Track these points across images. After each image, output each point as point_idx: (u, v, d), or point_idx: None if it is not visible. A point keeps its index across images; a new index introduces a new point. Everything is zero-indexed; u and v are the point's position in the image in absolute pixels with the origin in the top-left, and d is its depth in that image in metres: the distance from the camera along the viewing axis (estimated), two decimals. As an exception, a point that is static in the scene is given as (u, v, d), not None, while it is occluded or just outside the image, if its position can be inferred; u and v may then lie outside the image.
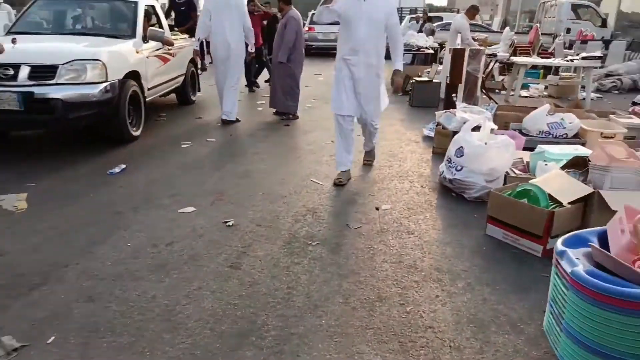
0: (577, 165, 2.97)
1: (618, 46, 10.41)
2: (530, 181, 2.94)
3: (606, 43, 10.91)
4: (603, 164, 2.67)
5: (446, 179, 3.66)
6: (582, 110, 5.02)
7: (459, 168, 3.55)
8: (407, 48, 10.26)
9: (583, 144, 4.60)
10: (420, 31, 13.56)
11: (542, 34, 12.66)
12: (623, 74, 9.68)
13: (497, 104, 7.90)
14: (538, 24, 12.95)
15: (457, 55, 5.69)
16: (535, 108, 5.47)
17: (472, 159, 3.46)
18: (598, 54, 7.40)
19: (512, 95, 7.92)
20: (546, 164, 3.62)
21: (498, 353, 1.86)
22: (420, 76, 8.71)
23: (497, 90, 9.14)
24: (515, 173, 3.59)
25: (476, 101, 5.88)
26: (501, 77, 10.22)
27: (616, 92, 9.53)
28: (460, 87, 5.86)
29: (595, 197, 2.60)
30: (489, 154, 3.40)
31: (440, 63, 12.01)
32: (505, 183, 3.48)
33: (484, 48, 5.92)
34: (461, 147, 3.58)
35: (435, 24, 15.41)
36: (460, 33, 7.73)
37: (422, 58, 11.17)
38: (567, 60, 7.51)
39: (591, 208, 2.64)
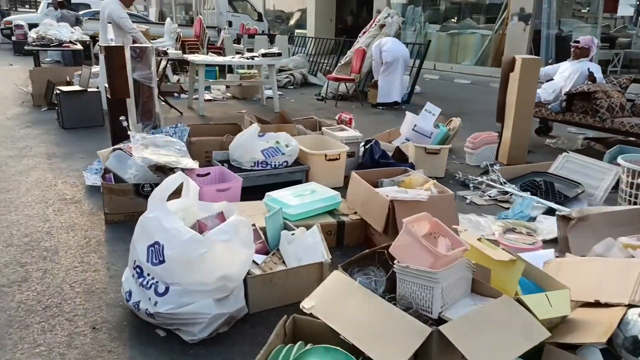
0: (368, 260, 1.74)
1: (282, 41, 10.49)
2: (309, 308, 1.52)
3: (270, 37, 10.89)
4: (425, 269, 1.48)
5: (142, 311, 1.90)
6: (292, 126, 4.04)
7: (161, 289, 1.84)
8: (44, 43, 7.53)
9: (307, 171, 3.60)
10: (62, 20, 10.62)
11: (206, 27, 11.81)
12: (293, 69, 9.71)
13: (181, 113, 6.41)
14: (201, 16, 12.01)
15: (114, 56, 3.82)
16: (227, 126, 4.24)
17: (183, 267, 1.81)
18: (277, 50, 6.78)
19: (196, 99, 6.59)
20: (293, 233, 2.35)
21: None
22: (69, 82, 6.34)
23: (175, 94, 7.63)
24: (258, 265, 2.16)
25: (158, 119, 4.19)
26: (176, 77, 8.76)
27: (292, 87, 9.48)
28: (130, 104, 4.04)
29: (434, 340, 1.39)
30: (214, 254, 1.82)
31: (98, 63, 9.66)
32: (247, 293, 1.99)
33: (151, 45, 4.23)
34: (156, 243, 1.87)
35: (81, 12, 12.59)
36: (110, 23, 5.79)
37: (69, 56, 8.57)
38: (249, 58, 6.61)
39: (429, 355, 1.42)
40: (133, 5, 20.54)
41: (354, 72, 7.80)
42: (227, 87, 8.13)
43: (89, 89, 5.36)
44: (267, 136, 3.63)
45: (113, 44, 3.89)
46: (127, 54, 3.91)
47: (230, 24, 13.73)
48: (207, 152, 3.67)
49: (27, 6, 30.88)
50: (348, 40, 9.93)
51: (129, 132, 3.36)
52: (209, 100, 7.56)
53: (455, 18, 13.84)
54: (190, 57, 6.36)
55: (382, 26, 8.58)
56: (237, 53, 10.52)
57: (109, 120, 4.15)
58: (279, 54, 6.66)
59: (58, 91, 5.30)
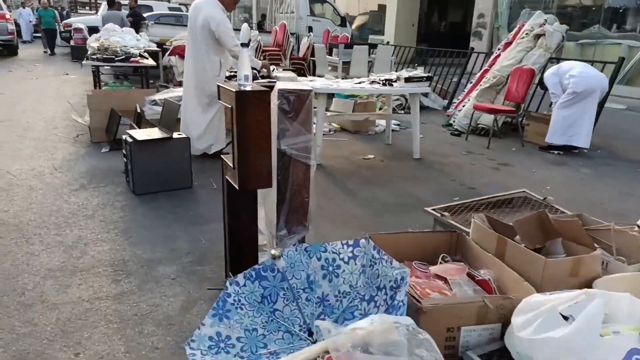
0: None
1: (385, 52, 8.49)
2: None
3: (370, 47, 8.91)
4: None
5: None
6: (598, 256, 1.98)
7: None
8: (108, 55, 5.88)
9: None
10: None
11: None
12: (404, 88, 7.67)
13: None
14: (285, 22, 10.21)
15: (253, 109, 1.93)
16: (438, 235, 2.29)
17: None
18: (421, 72, 4.78)
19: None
20: None
21: None
22: (140, 115, 4.60)
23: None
24: None
25: (307, 219, 2.26)
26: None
27: (402, 112, 7.45)
28: (269, 196, 2.14)
29: None
30: None
31: (172, 82, 7.99)
32: None
33: (309, 89, 2.26)
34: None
35: (145, 15, 11.05)
36: (209, 38, 3.97)
37: (142, 76, 6.89)
38: (384, 82, 4.63)
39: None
40: (185, 5, 19.00)
41: (513, 100, 5.69)
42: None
43: (175, 137, 3.53)
44: (580, 296, 1.60)
45: (241, 88, 1.98)
46: (273, 106, 2.01)
47: (310, 29, 11.88)
48: (450, 329, 1.69)
49: (87, 8, 30.32)
50: (458, 51, 7.87)
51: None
52: (314, 134, 5.65)
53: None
54: (311, 83, 4.44)
55: (537, 36, 6.44)
56: (329, 66, 8.64)
57: (225, 234, 2.26)
58: (429, 79, 4.65)
59: (129, 138, 3.49)
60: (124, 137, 3.59)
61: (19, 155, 4.41)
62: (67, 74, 10.20)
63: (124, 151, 3.65)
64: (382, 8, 21.37)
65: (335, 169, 4.47)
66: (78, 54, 12.73)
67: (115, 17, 8.96)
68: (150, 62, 5.84)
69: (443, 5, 19.78)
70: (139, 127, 4.55)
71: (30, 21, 17.77)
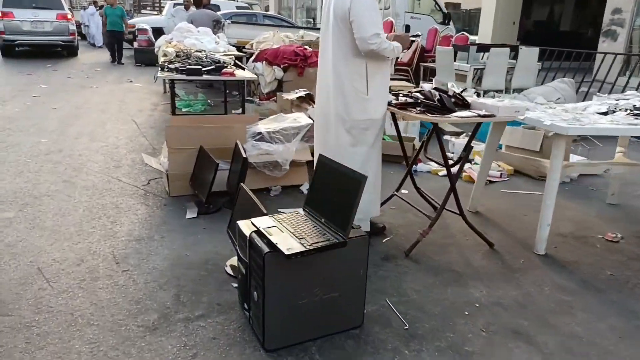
0: None
1: (529, 56, 6.48)
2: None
3: (512, 49, 6.88)
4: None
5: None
6: None
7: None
8: (192, 66, 4.24)
9: None
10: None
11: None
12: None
13: (491, 245, 2.61)
14: (392, 19, 8.33)
15: None
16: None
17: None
18: None
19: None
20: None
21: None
22: (245, 164, 2.91)
23: (414, 168, 3.93)
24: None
25: None
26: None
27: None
28: None
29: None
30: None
31: (256, 94, 6.31)
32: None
33: None
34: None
35: (220, 13, 9.51)
36: (348, 34, 2.22)
37: (225, 87, 5.23)
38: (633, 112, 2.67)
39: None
40: (249, 4, 17.42)
41: None
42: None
43: (355, 238, 1.75)
44: None
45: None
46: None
47: (407, 28, 9.96)
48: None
49: (148, 8, 29.62)
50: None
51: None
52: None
53: None
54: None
55: None
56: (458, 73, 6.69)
57: None
58: None
59: (259, 243, 1.74)
60: (246, 233, 1.84)
61: (62, 226, 2.79)
62: (130, 81, 8.81)
63: (241, 255, 1.90)
64: (451, 4, 19.05)
65: (582, 270, 2.55)
66: (142, 57, 11.29)
67: (206, 17, 7.29)
68: (249, 74, 4.11)
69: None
70: (243, 181, 2.83)
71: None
